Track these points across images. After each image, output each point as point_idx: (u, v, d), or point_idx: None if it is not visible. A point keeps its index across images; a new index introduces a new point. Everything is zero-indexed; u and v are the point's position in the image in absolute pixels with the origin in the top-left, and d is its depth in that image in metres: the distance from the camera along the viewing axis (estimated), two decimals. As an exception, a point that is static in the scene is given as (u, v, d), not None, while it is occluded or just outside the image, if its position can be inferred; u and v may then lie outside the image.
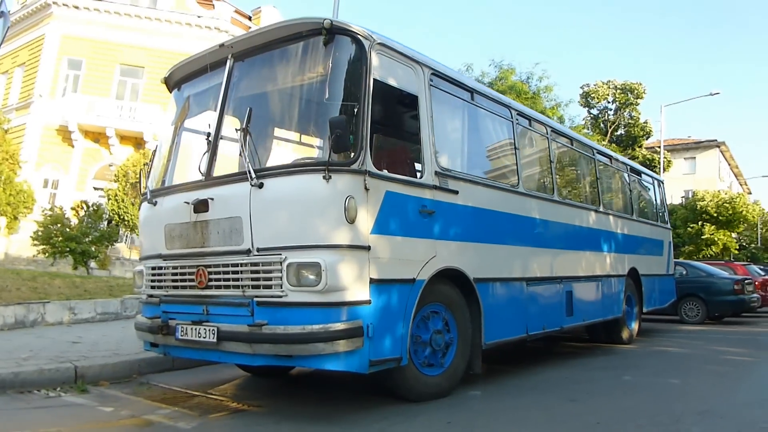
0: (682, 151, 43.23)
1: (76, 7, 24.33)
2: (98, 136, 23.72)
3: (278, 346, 3.60)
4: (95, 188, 23.47)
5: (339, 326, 3.55)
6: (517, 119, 5.86)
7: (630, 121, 31.86)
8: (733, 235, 30.87)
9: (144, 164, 5.72)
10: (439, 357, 4.41)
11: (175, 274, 4.30)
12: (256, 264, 3.77)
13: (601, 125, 32.30)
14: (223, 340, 3.80)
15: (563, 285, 6.28)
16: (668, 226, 10.80)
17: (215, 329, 3.83)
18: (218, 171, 4.18)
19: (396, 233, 4.00)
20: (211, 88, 4.52)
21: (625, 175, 9.17)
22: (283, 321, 3.61)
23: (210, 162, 4.17)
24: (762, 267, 20.40)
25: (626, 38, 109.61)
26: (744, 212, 28.80)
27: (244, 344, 3.73)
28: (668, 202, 14.50)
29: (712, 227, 28.06)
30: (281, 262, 3.64)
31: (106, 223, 17.15)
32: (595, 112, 32.88)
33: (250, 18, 28.01)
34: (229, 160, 4.30)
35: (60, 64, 24.36)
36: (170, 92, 5.14)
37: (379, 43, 4.07)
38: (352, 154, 3.73)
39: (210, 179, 4.13)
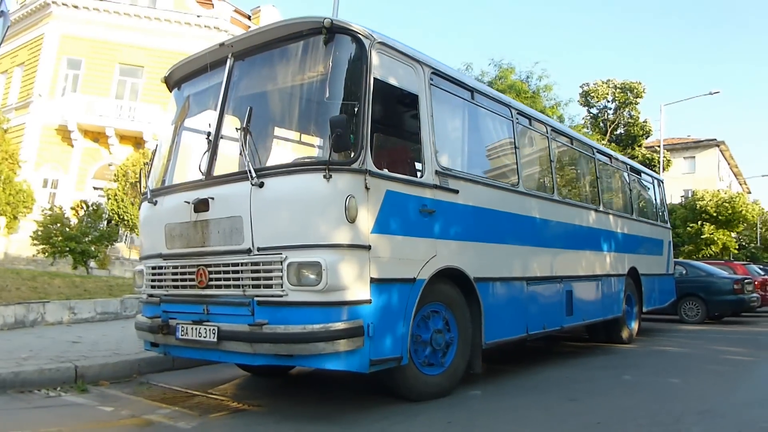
0: (681, 150, 43.24)
1: (76, 7, 24.31)
2: (98, 136, 23.71)
3: (279, 345, 3.60)
4: (95, 188, 23.46)
5: (339, 326, 3.55)
6: (517, 118, 5.86)
7: (630, 120, 31.88)
8: (733, 234, 30.90)
9: (144, 164, 5.71)
10: (440, 356, 4.40)
11: (176, 274, 4.29)
12: (256, 263, 3.77)
13: (601, 124, 32.32)
14: (223, 340, 3.80)
15: (563, 284, 6.28)
16: (668, 225, 10.80)
17: (216, 329, 3.82)
18: (218, 170, 4.17)
19: (396, 233, 4.00)
20: (212, 87, 4.51)
21: (625, 174, 9.17)
22: (284, 320, 3.60)
23: (210, 161, 4.17)
24: (761, 266, 20.41)
25: (626, 38, 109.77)
26: (743, 212, 28.84)
27: (244, 344, 3.73)
28: (668, 202, 14.50)
29: (712, 227, 28.09)
30: (282, 262, 3.64)
31: (105, 222, 17.14)
32: (594, 111, 32.91)
33: (249, 17, 28.01)
34: (229, 159, 4.29)
35: (59, 63, 24.34)
36: (170, 92, 5.14)
37: (379, 42, 4.07)
38: (353, 153, 3.73)
39: (210, 179, 4.13)
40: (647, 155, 30.73)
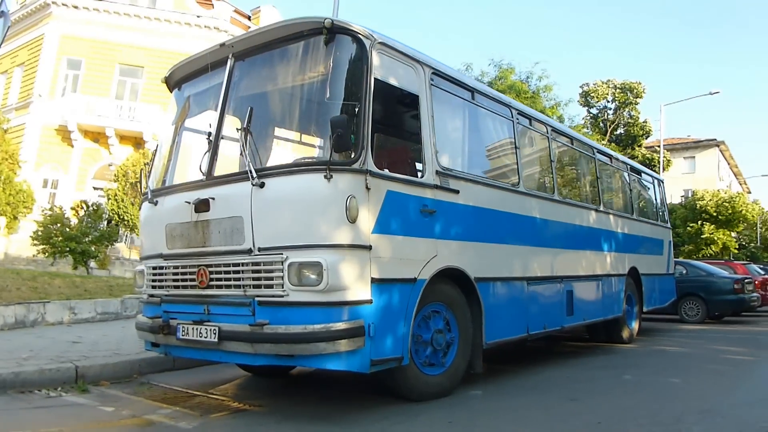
0: (681, 150, 43.25)
1: (76, 7, 24.31)
2: (98, 136, 23.70)
3: (280, 345, 3.60)
4: (95, 188, 23.46)
5: (340, 326, 3.55)
6: (517, 118, 5.86)
7: (629, 120, 31.89)
8: (733, 234, 30.92)
9: (145, 164, 5.72)
10: (440, 356, 4.41)
11: (176, 274, 4.29)
12: (257, 264, 3.77)
13: (601, 124, 32.33)
14: (224, 340, 3.80)
15: (564, 284, 6.28)
16: (668, 225, 10.81)
17: (216, 329, 3.82)
18: (219, 171, 4.18)
19: (397, 233, 4.00)
20: (212, 87, 4.51)
21: (625, 174, 9.17)
22: (285, 321, 3.60)
23: (211, 162, 4.17)
24: (762, 266, 20.41)
25: (626, 38, 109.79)
26: (743, 211, 28.86)
27: (245, 344, 3.72)
28: (668, 202, 14.50)
29: (712, 226, 28.10)
30: (282, 262, 3.64)
31: (105, 222, 17.14)
32: (594, 111, 32.92)
33: (249, 18, 28.00)
34: (229, 159, 4.30)
35: (59, 63, 24.33)
36: (171, 92, 5.14)
37: (380, 43, 4.07)
38: (353, 153, 3.73)
39: (211, 179, 4.13)
40: (647, 155, 30.74)
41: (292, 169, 3.96)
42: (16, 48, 25.60)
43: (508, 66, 23.14)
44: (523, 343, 6.31)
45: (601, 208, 7.58)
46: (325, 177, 3.62)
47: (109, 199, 20.01)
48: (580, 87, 32.59)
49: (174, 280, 4.32)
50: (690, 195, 34.77)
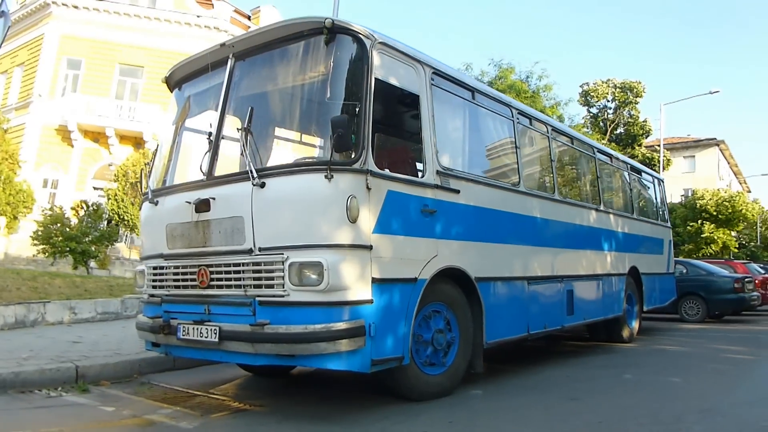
0: (681, 149, 43.24)
1: (76, 7, 24.30)
2: (98, 136, 23.70)
3: (280, 345, 3.60)
4: (95, 188, 23.46)
5: (341, 326, 3.55)
6: (518, 118, 5.86)
7: (629, 119, 31.86)
8: (733, 233, 30.92)
9: (145, 164, 5.71)
10: (441, 356, 4.41)
11: (177, 274, 4.29)
12: (258, 263, 3.77)
13: (601, 124, 32.30)
14: (225, 340, 3.80)
15: (564, 284, 6.28)
16: (668, 224, 10.80)
17: (217, 329, 3.82)
18: (220, 171, 4.18)
19: (398, 233, 4.00)
20: (212, 87, 4.51)
21: (626, 173, 9.17)
22: (285, 320, 3.61)
23: (211, 162, 4.17)
24: (762, 265, 20.40)
25: (626, 38, 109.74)
26: (743, 211, 28.87)
27: (246, 344, 3.72)
28: (668, 201, 14.50)
29: (712, 226, 28.11)
30: (283, 262, 3.64)
31: (105, 222, 17.15)
32: (594, 110, 32.88)
33: (249, 17, 28.00)
34: (230, 159, 4.30)
35: (59, 63, 24.33)
36: (171, 92, 5.13)
37: (380, 42, 4.06)
38: (354, 153, 3.73)
39: (211, 179, 4.13)
40: (647, 154, 30.72)
41: (293, 169, 3.96)
42: (16, 48, 25.60)
43: (508, 66, 23.16)
44: (523, 342, 6.31)
45: (602, 208, 7.58)
46: (326, 177, 3.62)
47: (109, 199, 20.01)
48: (580, 86, 32.62)
49: (174, 280, 4.32)
50: (690, 194, 34.78)
